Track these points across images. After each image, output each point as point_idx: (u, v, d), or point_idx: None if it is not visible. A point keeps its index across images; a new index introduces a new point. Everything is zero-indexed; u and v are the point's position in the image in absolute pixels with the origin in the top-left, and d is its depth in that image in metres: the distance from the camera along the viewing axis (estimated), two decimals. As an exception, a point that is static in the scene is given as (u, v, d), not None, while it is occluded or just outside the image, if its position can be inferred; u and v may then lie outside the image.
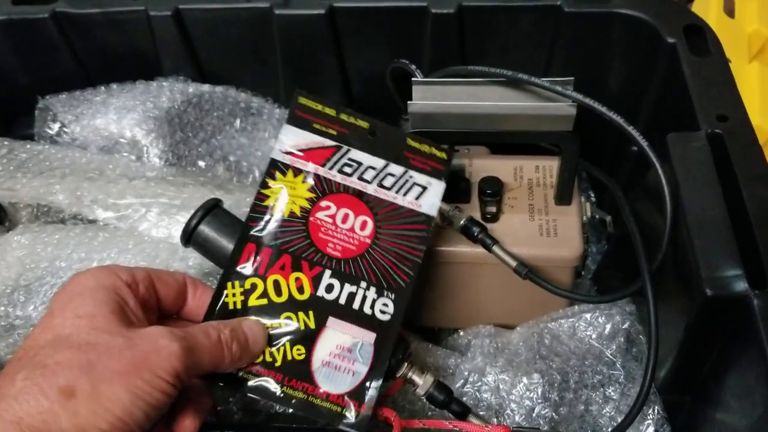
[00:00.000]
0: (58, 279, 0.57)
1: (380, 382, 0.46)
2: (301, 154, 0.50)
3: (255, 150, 0.74)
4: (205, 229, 0.48)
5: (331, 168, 0.50)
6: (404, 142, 0.51)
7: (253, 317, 0.46)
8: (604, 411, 0.55)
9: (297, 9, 0.67)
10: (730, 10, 0.91)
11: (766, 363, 0.40)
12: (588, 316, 0.57)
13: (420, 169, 0.51)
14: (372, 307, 0.47)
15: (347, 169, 0.50)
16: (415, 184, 0.51)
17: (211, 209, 0.49)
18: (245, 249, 0.47)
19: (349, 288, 0.47)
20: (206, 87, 0.72)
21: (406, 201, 0.50)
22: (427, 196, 0.51)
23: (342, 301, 0.47)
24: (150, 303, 0.44)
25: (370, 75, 0.72)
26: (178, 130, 0.69)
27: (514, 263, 0.54)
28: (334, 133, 0.51)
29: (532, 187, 0.60)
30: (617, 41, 0.65)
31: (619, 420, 0.50)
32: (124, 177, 0.62)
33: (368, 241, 0.49)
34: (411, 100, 0.52)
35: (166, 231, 0.58)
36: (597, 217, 0.62)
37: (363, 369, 0.46)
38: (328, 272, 0.47)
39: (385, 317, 0.47)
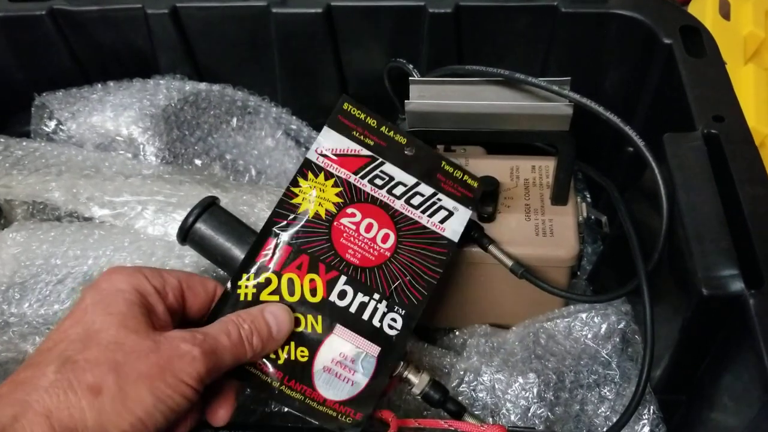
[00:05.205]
0: (53, 276, 0.57)
1: (378, 394, 0.46)
2: (335, 158, 0.50)
3: (251, 149, 0.74)
4: (201, 226, 0.48)
5: (362, 177, 0.50)
6: (439, 164, 0.52)
7: (276, 302, 0.45)
8: (600, 411, 0.55)
9: (294, 8, 0.67)
10: (725, 13, 0.91)
11: (762, 363, 0.40)
12: (584, 315, 0.57)
13: (449, 193, 0.51)
14: (381, 320, 0.47)
15: (378, 181, 0.50)
16: (442, 207, 0.50)
17: (208, 207, 0.48)
18: (265, 243, 0.47)
19: (361, 297, 0.47)
20: (203, 85, 0.72)
21: (431, 222, 0.50)
22: (452, 222, 0.50)
23: (352, 309, 0.47)
24: (176, 310, 0.44)
25: (367, 74, 0.72)
26: (174, 128, 0.69)
27: (510, 263, 0.54)
28: (372, 143, 0.51)
29: (528, 187, 0.60)
30: (614, 42, 0.65)
31: (615, 420, 0.50)
32: (121, 175, 0.62)
33: (388, 254, 0.48)
34: (408, 99, 0.52)
35: (163, 229, 0.58)
36: (593, 217, 0.62)
37: (363, 380, 0.46)
38: (343, 278, 0.47)
39: (393, 332, 0.47)
